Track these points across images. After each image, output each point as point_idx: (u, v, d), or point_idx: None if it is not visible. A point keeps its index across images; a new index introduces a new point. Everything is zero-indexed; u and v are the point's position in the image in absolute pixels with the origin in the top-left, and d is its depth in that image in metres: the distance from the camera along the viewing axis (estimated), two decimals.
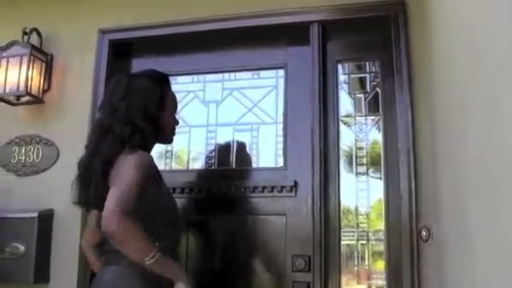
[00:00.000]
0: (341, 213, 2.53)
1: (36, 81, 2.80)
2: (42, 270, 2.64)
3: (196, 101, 2.86)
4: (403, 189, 2.37)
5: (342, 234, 2.51)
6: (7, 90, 2.77)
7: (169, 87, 2.20)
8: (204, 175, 2.77)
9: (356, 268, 2.50)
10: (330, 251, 2.46)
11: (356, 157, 2.60)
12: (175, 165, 2.83)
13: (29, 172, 2.82)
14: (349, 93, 2.67)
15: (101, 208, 1.98)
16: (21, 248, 2.62)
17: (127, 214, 1.73)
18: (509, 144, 1.14)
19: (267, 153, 2.71)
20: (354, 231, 2.53)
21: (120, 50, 2.90)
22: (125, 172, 1.86)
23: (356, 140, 2.62)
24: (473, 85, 1.48)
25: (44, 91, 2.86)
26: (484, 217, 1.40)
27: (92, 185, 1.93)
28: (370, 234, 2.51)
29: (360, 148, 2.61)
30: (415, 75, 2.44)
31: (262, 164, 2.71)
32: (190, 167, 2.82)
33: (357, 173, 2.59)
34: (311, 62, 2.61)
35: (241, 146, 2.75)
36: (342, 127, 2.63)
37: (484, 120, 1.36)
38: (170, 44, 2.85)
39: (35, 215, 2.65)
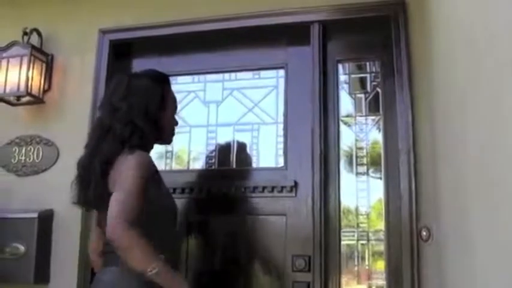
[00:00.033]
0: (341, 213, 2.53)
1: (36, 81, 2.80)
2: (42, 271, 2.64)
3: (197, 101, 2.86)
4: (403, 189, 2.37)
5: (342, 234, 2.51)
6: (7, 90, 2.77)
7: (170, 88, 2.20)
8: (204, 175, 2.77)
9: (356, 268, 2.50)
10: (330, 251, 2.46)
11: (356, 157, 2.60)
12: (175, 165, 2.83)
13: (29, 172, 2.82)
14: (350, 93, 2.67)
15: (100, 208, 2.00)
16: (21, 248, 2.62)
17: (131, 223, 1.75)
18: (509, 144, 1.14)
19: (267, 153, 2.71)
20: (354, 231, 2.53)
21: (121, 50, 2.90)
22: (126, 173, 1.86)
23: (356, 140, 2.61)
24: (473, 85, 1.48)
25: (44, 91, 2.86)
26: (484, 217, 1.39)
27: (91, 185, 1.93)
28: (370, 234, 2.51)
29: (360, 148, 2.61)
30: (415, 75, 2.44)
31: (263, 164, 2.71)
32: (191, 167, 2.82)
33: (357, 173, 2.59)
34: (311, 62, 2.61)
35: (241, 147, 2.75)
36: (342, 127, 2.63)
37: (485, 120, 1.36)
38: (170, 44, 2.85)
39: (35, 215, 2.65)
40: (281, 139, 2.68)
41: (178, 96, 2.62)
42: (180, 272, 2.21)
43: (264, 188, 2.59)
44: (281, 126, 2.69)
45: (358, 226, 2.53)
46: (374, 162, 2.57)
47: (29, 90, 2.75)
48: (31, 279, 2.60)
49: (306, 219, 2.48)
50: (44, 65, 2.85)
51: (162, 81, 2.16)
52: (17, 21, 2.92)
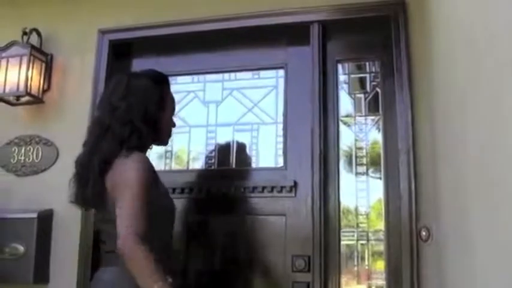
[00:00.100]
0: (341, 213, 2.53)
1: (36, 81, 2.80)
2: (42, 271, 2.64)
3: (196, 101, 2.86)
4: (403, 189, 2.37)
5: (342, 234, 2.51)
6: (7, 90, 2.77)
7: (169, 89, 2.20)
8: (204, 175, 2.77)
9: (356, 268, 2.50)
10: (330, 251, 2.46)
11: (356, 157, 2.60)
12: (175, 166, 2.83)
13: (29, 172, 2.82)
14: (349, 93, 2.67)
15: (98, 207, 2.00)
16: (21, 248, 2.62)
17: (142, 236, 1.77)
18: (509, 144, 1.14)
19: (266, 153, 2.71)
20: (353, 231, 2.53)
21: (120, 50, 2.90)
22: (128, 177, 1.87)
23: (356, 140, 2.61)
24: (473, 85, 1.48)
25: (44, 91, 2.86)
26: (484, 217, 1.39)
27: (89, 183, 1.92)
28: (370, 234, 2.51)
29: (360, 148, 2.61)
30: (415, 75, 2.44)
31: (262, 164, 2.70)
32: (190, 167, 2.82)
33: (357, 173, 2.59)
34: (311, 62, 2.61)
35: (241, 147, 2.75)
36: (342, 127, 2.63)
37: (485, 120, 1.36)
38: (170, 44, 2.84)
39: (35, 215, 2.65)
40: (281, 139, 2.68)
41: (177, 96, 2.63)
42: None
43: (263, 188, 2.59)
44: (281, 126, 2.69)
45: (357, 226, 2.53)
46: (374, 162, 2.57)
47: (28, 90, 2.75)
48: (30, 279, 2.59)
49: (306, 219, 2.48)
50: (44, 64, 2.85)
51: (161, 81, 2.16)
52: (16, 21, 2.92)
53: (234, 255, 2.61)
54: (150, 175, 1.95)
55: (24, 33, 2.82)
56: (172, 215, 2.10)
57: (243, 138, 2.76)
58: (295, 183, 2.55)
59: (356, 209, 2.55)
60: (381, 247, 2.49)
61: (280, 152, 2.66)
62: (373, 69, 2.66)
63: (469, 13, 1.53)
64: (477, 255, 1.49)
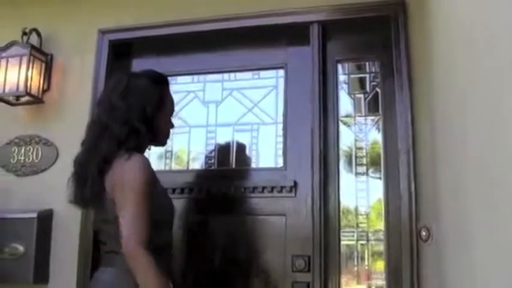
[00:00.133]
0: (341, 214, 2.53)
1: (35, 81, 2.80)
2: (42, 271, 2.63)
3: (196, 101, 2.86)
4: (403, 189, 2.37)
5: (342, 234, 2.51)
6: (7, 90, 2.77)
7: (169, 90, 2.20)
8: (203, 175, 2.77)
9: (356, 268, 2.50)
10: (330, 251, 2.46)
11: (356, 157, 2.60)
12: (175, 166, 2.83)
13: (29, 172, 2.82)
14: (349, 94, 2.67)
15: (96, 207, 2.00)
16: (21, 248, 2.62)
17: (147, 243, 1.80)
18: (509, 144, 1.14)
19: (266, 153, 2.71)
20: (353, 232, 2.53)
21: (120, 50, 2.90)
22: (129, 179, 1.87)
23: (356, 140, 2.61)
24: (473, 85, 1.48)
25: (44, 91, 2.85)
26: (484, 217, 1.39)
27: (88, 183, 1.92)
28: (369, 235, 2.51)
29: (360, 148, 2.61)
30: (415, 75, 2.44)
31: (262, 164, 2.70)
32: (190, 167, 2.82)
33: (357, 173, 2.59)
34: (311, 62, 2.61)
35: (241, 147, 2.75)
36: (342, 127, 2.63)
37: (484, 120, 1.36)
38: (170, 44, 2.84)
39: (35, 215, 2.65)
40: (280, 139, 2.68)
41: (177, 96, 2.64)
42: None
43: (263, 188, 2.58)
44: (280, 126, 2.69)
45: (357, 226, 2.53)
46: (373, 163, 2.57)
47: (28, 90, 2.75)
48: (30, 279, 2.59)
49: (306, 219, 2.48)
50: (44, 65, 2.85)
51: (161, 82, 2.15)
52: (16, 21, 2.92)
53: (234, 256, 2.60)
54: (151, 177, 1.95)
55: (24, 33, 2.82)
56: (171, 215, 2.10)
57: (243, 138, 2.76)
58: (295, 183, 2.55)
59: (356, 209, 2.55)
60: (381, 247, 2.49)
61: (280, 152, 2.66)
62: (373, 70, 2.66)
63: (468, 13, 1.53)
64: (477, 255, 1.49)
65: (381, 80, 2.61)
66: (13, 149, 2.87)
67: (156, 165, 2.68)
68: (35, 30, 2.86)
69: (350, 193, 2.56)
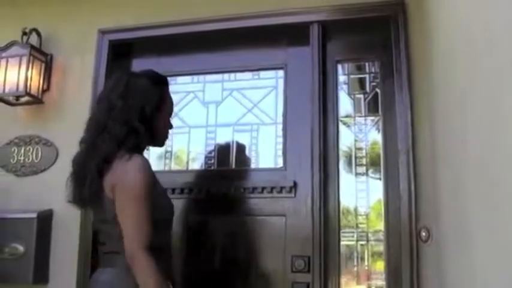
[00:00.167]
0: (340, 214, 2.53)
1: (35, 81, 2.79)
2: (42, 271, 2.63)
3: (196, 101, 2.85)
4: (403, 189, 2.37)
5: (342, 234, 2.51)
6: (6, 90, 2.77)
7: (168, 90, 2.19)
8: (203, 175, 2.77)
9: (355, 268, 2.50)
10: (330, 251, 2.46)
11: (355, 157, 2.60)
12: (174, 166, 2.83)
13: (28, 172, 2.82)
14: (349, 94, 2.67)
15: (95, 207, 1.99)
16: (21, 248, 2.62)
17: (149, 247, 1.81)
18: (509, 144, 1.14)
19: (266, 153, 2.71)
20: (353, 232, 2.53)
21: (120, 50, 2.90)
22: (129, 181, 1.87)
23: (355, 141, 2.61)
24: (472, 85, 1.48)
25: (44, 91, 2.85)
26: (484, 217, 1.39)
27: (86, 182, 1.92)
28: (369, 235, 2.51)
29: (360, 148, 2.61)
30: (414, 75, 2.44)
31: (262, 164, 2.70)
32: (190, 168, 2.81)
33: (357, 174, 2.59)
34: (311, 62, 2.61)
35: (240, 148, 2.75)
36: (342, 127, 2.63)
37: (484, 120, 1.36)
38: (170, 44, 2.84)
39: (34, 215, 2.65)
40: (280, 139, 2.68)
41: (177, 97, 2.64)
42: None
43: (263, 188, 2.58)
44: (280, 126, 2.69)
45: (357, 226, 2.53)
46: (373, 163, 2.57)
47: (28, 90, 2.74)
48: (30, 280, 2.59)
49: (306, 219, 2.48)
50: (43, 65, 2.85)
51: (160, 82, 2.15)
52: (16, 21, 2.92)
53: (234, 256, 2.60)
54: (151, 179, 1.95)
55: (24, 33, 2.82)
56: (171, 215, 2.10)
57: (243, 138, 2.76)
58: (295, 184, 2.55)
59: (356, 209, 2.55)
60: (381, 247, 2.49)
61: (280, 152, 2.66)
62: (373, 70, 2.66)
63: (468, 13, 1.53)
64: (477, 255, 1.49)
65: (380, 80, 2.61)
66: (13, 149, 2.87)
67: (156, 165, 2.68)
68: (35, 30, 2.86)
69: (350, 193, 2.56)
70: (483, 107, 1.37)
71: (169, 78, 2.23)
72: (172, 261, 2.08)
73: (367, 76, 2.68)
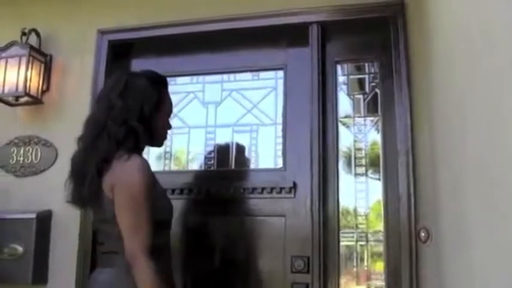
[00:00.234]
0: (340, 214, 2.53)
1: (35, 81, 2.79)
2: (41, 271, 2.63)
3: (196, 101, 2.85)
4: (402, 190, 2.37)
5: (341, 235, 2.51)
6: (6, 90, 2.76)
7: (167, 91, 2.19)
8: (203, 176, 2.76)
9: (355, 269, 2.50)
10: (329, 252, 2.46)
11: (355, 158, 2.60)
12: (174, 166, 2.83)
13: (28, 173, 2.82)
14: (348, 94, 2.67)
15: (94, 206, 1.99)
16: (20, 249, 2.62)
17: (149, 248, 1.82)
18: (509, 144, 1.14)
19: (266, 154, 2.71)
20: (353, 232, 2.53)
21: (120, 51, 2.90)
22: (129, 179, 1.88)
23: (355, 141, 2.61)
24: (472, 85, 1.48)
25: (43, 92, 2.85)
26: (483, 217, 1.39)
27: (86, 182, 1.92)
28: (369, 235, 2.51)
29: (359, 149, 2.61)
30: (414, 76, 2.44)
31: (262, 165, 2.70)
32: (189, 168, 2.81)
33: (356, 174, 2.59)
34: (310, 63, 2.61)
35: (240, 148, 2.75)
36: (341, 128, 2.63)
37: (484, 121, 1.36)
38: (169, 44, 2.84)
39: (33, 216, 2.65)
40: (280, 140, 2.68)
41: (177, 97, 2.64)
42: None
43: (262, 189, 2.58)
44: (280, 127, 2.69)
45: (357, 227, 2.53)
46: (373, 164, 2.57)
47: (27, 90, 2.74)
48: (29, 280, 2.59)
49: (305, 220, 2.48)
50: (43, 65, 2.85)
51: (159, 82, 2.15)
52: (15, 21, 2.92)
53: (234, 256, 2.60)
54: (151, 179, 1.95)
55: (23, 33, 2.82)
56: (170, 215, 2.10)
57: (242, 139, 2.76)
58: (295, 184, 2.54)
59: (355, 210, 2.55)
60: (380, 248, 2.49)
61: (280, 153, 2.66)
62: (372, 70, 2.66)
63: (467, 13, 1.53)
64: (476, 255, 1.49)
65: (380, 80, 2.62)
66: (12, 150, 2.86)
67: (156, 165, 2.69)
68: (34, 30, 2.86)
69: (349, 194, 2.56)
70: (482, 107, 1.37)
71: (168, 79, 2.24)
72: (171, 262, 2.08)
73: (366, 77, 2.68)
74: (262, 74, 2.79)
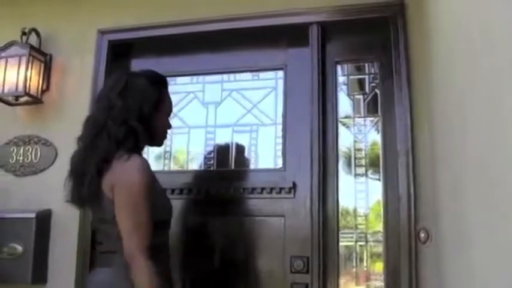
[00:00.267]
0: (339, 215, 2.53)
1: (34, 81, 2.79)
2: (40, 271, 2.63)
3: (196, 101, 2.85)
4: (402, 190, 2.37)
5: (341, 235, 2.51)
6: (6, 90, 2.77)
7: (167, 91, 2.19)
8: (202, 176, 2.76)
9: (354, 269, 2.50)
10: (329, 252, 2.46)
11: (355, 158, 2.60)
12: (174, 166, 2.83)
13: (27, 172, 2.82)
14: (348, 95, 2.67)
15: (93, 206, 1.99)
16: (19, 248, 2.62)
17: (148, 248, 1.83)
18: (509, 144, 1.14)
19: (265, 154, 2.71)
20: (352, 233, 2.53)
21: (119, 51, 2.90)
22: (129, 179, 1.88)
23: (355, 142, 2.61)
24: (472, 85, 1.48)
25: (43, 91, 2.85)
26: (483, 217, 1.39)
27: (85, 182, 1.92)
28: (368, 236, 2.51)
29: (359, 149, 2.61)
30: (414, 76, 2.44)
31: (261, 165, 2.70)
32: (189, 168, 2.81)
33: (356, 175, 2.58)
34: (310, 63, 2.61)
35: (240, 148, 2.75)
36: (341, 128, 2.62)
37: (484, 121, 1.36)
38: (169, 44, 2.84)
39: (33, 215, 2.65)
40: (280, 140, 2.67)
41: (177, 97, 2.64)
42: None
43: (262, 189, 2.58)
44: (280, 127, 2.69)
45: (356, 227, 2.53)
46: (372, 164, 2.57)
47: (27, 90, 2.74)
48: (29, 279, 2.59)
49: (305, 220, 2.48)
50: (43, 65, 2.85)
51: (160, 82, 2.15)
52: (15, 20, 2.92)
53: (233, 256, 2.60)
54: (151, 179, 1.95)
55: (24, 33, 2.82)
56: (169, 215, 2.10)
57: (242, 139, 2.75)
58: (294, 185, 2.54)
59: (355, 210, 2.55)
60: (380, 248, 2.49)
61: (279, 153, 2.66)
62: (372, 71, 2.66)
63: (467, 13, 1.53)
64: (476, 255, 1.49)
65: (380, 81, 2.61)
66: (12, 149, 2.86)
67: (155, 165, 2.69)
68: (34, 30, 2.86)
69: (349, 194, 2.56)
70: (482, 107, 1.37)
71: (168, 79, 2.23)
72: (170, 261, 2.08)
73: (366, 77, 2.68)
74: (262, 74, 2.79)
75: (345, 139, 2.62)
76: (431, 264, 2.25)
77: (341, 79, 2.68)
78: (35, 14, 2.97)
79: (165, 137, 2.22)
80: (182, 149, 2.83)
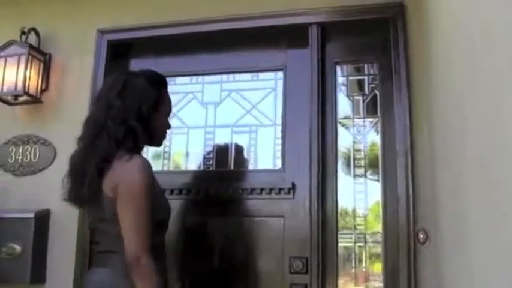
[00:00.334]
0: (338, 215, 2.53)
1: (34, 81, 2.79)
2: (39, 271, 2.63)
3: (195, 102, 2.85)
4: (401, 191, 2.37)
5: (340, 236, 2.51)
6: (5, 89, 2.76)
7: (166, 90, 2.19)
8: (202, 176, 2.76)
9: (353, 270, 2.50)
10: (328, 252, 2.46)
11: (354, 159, 2.60)
12: (173, 166, 2.83)
13: (26, 172, 2.82)
14: (348, 95, 2.67)
15: (92, 206, 1.98)
16: (18, 248, 2.61)
17: (150, 250, 1.82)
18: (509, 144, 1.14)
19: (265, 155, 2.71)
20: (351, 233, 2.53)
21: (119, 51, 2.90)
22: (129, 181, 1.87)
23: (354, 142, 2.61)
24: (471, 86, 1.48)
25: (42, 91, 2.85)
26: (483, 217, 1.39)
27: (85, 182, 1.91)
28: (367, 236, 2.51)
29: (358, 150, 2.61)
30: (413, 77, 2.44)
31: (261, 165, 2.70)
32: (188, 168, 2.81)
33: (355, 175, 2.59)
34: (310, 64, 2.61)
35: (239, 149, 2.75)
36: (340, 129, 2.63)
37: (484, 121, 1.36)
38: (169, 44, 2.84)
39: (32, 215, 2.64)
40: (279, 141, 2.67)
41: (176, 97, 2.64)
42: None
43: (261, 189, 2.58)
44: (279, 128, 2.69)
45: (355, 228, 2.53)
46: (372, 165, 2.57)
47: (26, 89, 2.74)
48: (27, 279, 2.59)
49: (304, 221, 2.48)
50: (42, 64, 2.85)
51: (159, 82, 2.15)
52: (15, 20, 2.92)
53: (232, 257, 2.60)
54: (152, 179, 1.95)
55: (23, 32, 2.82)
56: (167, 215, 2.09)
57: (242, 139, 2.75)
58: (293, 185, 2.54)
59: (354, 211, 2.55)
60: (379, 249, 2.49)
61: (279, 153, 2.66)
62: (372, 72, 2.67)
63: (466, 13, 1.53)
64: (475, 256, 1.49)
65: (379, 82, 2.62)
66: (11, 149, 2.86)
67: (154, 165, 2.66)
68: (34, 29, 2.86)
69: (348, 195, 2.56)
70: (482, 107, 1.37)
71: (168, 79, 2.23)
72: (166, 261, 2.08)
73: (365, 78, 2.68)
74: (262, 75, 2.79)
75: (344, 140, 2.62)
76: (430, 264, 2.25)
77: (340, 80, 2.68)
78: (35, 14, 2.96)
79: (164, 137, 2.21)
80: (181, 149, 2.82)
